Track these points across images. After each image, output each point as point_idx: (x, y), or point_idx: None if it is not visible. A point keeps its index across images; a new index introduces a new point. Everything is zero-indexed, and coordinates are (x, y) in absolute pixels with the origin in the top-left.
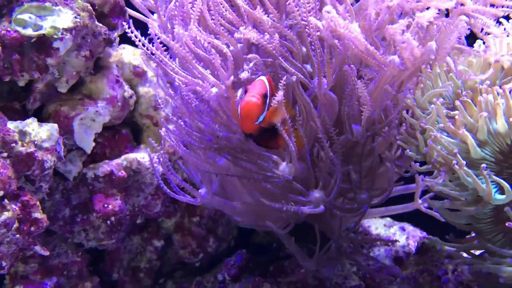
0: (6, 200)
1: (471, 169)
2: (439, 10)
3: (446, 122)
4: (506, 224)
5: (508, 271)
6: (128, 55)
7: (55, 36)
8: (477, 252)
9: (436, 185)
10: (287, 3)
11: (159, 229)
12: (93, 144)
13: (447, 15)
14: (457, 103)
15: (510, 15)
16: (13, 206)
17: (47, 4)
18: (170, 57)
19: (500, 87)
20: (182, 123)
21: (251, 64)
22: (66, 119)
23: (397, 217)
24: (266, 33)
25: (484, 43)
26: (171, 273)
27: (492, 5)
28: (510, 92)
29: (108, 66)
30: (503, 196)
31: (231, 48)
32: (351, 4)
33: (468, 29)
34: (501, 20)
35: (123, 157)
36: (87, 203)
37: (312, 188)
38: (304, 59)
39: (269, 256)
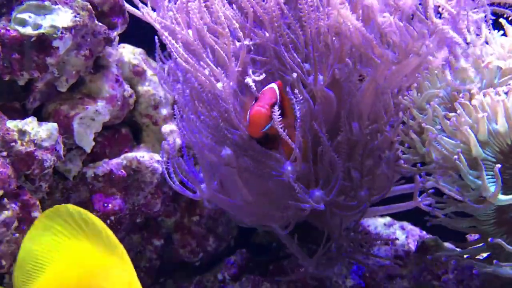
0: (5, 199)
1: (473, 169)
2: None
3: (445, 123)
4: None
5: None
6: (127, 54)
7: (55, 35)
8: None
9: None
10: None
11: (159, 228)
12: (93, 143)
13: None
14: (456, 105)
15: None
16: (13, 205)
17: (47, 3)
18: (170, 57)
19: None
20: (192, 116)
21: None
22: (65, 118)
23: (397, 216)
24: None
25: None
26: (171, 272)
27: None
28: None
29: (107, 65)
30: (508, 197)
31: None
32: None
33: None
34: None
35: (122, 156)
36: (87, 202)
37: (313, 186)
38: (304, 58)
39: (269, 255)
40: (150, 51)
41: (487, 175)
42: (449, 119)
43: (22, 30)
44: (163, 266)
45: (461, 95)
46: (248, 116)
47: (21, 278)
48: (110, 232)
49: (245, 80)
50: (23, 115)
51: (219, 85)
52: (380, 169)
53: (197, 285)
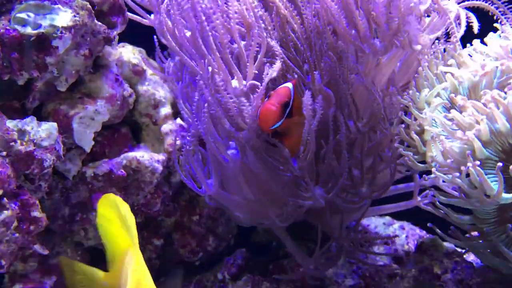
0: (5, 199)
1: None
2: None
3: (445, 124)
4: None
5: None
6: (127, 53)
7: (54, 35)
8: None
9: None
10: None
11: (159, 228)
12: (93, 143)
13: None
14: (457, 107)
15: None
16: (13, 205)
17: (46, 2)
18: (170, 56)
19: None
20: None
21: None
22: (65, 118)
23: (397, 216)
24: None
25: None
26: (171, 272)
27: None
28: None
29: (107, 65)
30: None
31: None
32: None
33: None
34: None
35: (122, 156)
36: (87, 202)
37: (314, 184)
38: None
39: (268, 255)
40: (150, 51)
41: (490, 173)
42: (449, 119)
43: (21, 29)
44: (163, 266)
45: (459, 95)
46: (258, 112)
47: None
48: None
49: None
50: (22, 115)
51: (234, 82)
52: (380, 166)
53: (197, 285)
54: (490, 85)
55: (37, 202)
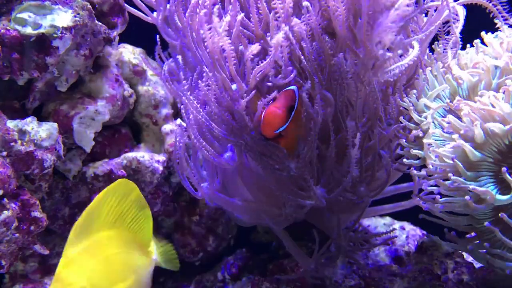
0: (5, 199)
1: (471, 170)
2: None
3: (443, 123)
4: (499, 215)
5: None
6: (127, 54)
7: (55, 35)
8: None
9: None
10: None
11: (159, 228)
12: (93, 143)
13: None
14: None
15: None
16: (13, 205)
17: (47, 3)
18: (170, 56)
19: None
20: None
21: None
22: (65, 118)
23: (397, 217)
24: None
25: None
26: (171, 272)
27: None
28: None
29: (107, 65)
30: (507, 196)
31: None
32: None
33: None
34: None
35: (122, 156)
36: (87, 202)
37: (315, 184)
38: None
39: (268, 255)
40: (150, 51)
41: (485, 175)
42: (447, 123)
43: (22, 30)
44: None
45: (457, 97)
46: (262, 115)
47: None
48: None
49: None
50: (23, 115)
51: (234, 86)
52: (379, 165)
53: (197, 285)
54: (489, 86)
55: (37, 202)
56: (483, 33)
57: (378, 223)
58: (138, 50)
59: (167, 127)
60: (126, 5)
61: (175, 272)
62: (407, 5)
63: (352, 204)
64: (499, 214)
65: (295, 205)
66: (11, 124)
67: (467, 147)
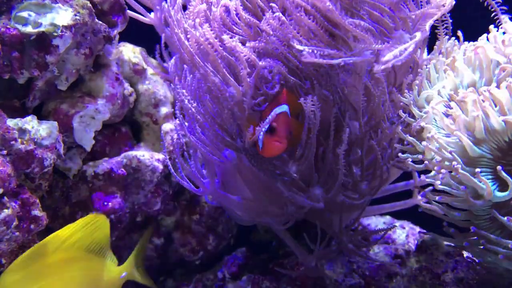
0: (5, 198)
1: (470, 166)
2: None
3: (444, 121)
4: (492, 211)
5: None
6: (127, 52)
7: (55, 34)
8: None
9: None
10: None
11: (159, 227)
12: (93, 141)
13: None
14: (453, 103)
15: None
16: (13, 204)
17: (47, 1)
18: (171, 55)
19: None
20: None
21: None
22: (65, 117)
23: (397, 216)
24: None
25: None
26: (171, 271)
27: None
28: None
29: (107, 64)
30: (505, 193)
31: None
32: None
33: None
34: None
35: (123, 155)
36: (87, 201)
37: (313, 184)
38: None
39: (268, 253)
40: (150, 50)
41: (484, 172)
42: (448, 116)
43: (22, 28)
44: (163, 265)
45: (460, 92)
46: (263, 146)
47: None
48: None
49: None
50: (23, 114)
51: (230, 90)
52: (380, 164)
53: (197, 284)
54: (489, 83)
55: (38, 201)
56: (491, 27)
57: (378, 222)
58: (138, 49)
59: (167, 126)
60: (125, 8)
61: (175, 271)
62: None
63: (353, 201)
64: (492, 210)
65: (294, 205)
66: (11, 122)
67: (466, 140)
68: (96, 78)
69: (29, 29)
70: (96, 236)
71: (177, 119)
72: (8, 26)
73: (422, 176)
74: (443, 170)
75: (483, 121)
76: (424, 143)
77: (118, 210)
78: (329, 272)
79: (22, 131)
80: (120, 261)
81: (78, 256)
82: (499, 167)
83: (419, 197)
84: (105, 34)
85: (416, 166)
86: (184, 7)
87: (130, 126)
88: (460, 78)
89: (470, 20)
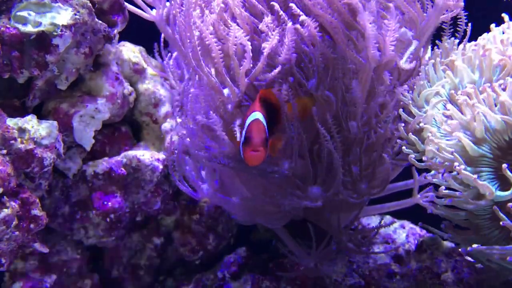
0: (5, 197)
1: (471, 166)
2: None
3: (443, 121)
4: (501, 223)
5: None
6: (127, 52)
7: (55, 33)
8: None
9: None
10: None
11: (159, 226)
12: (93, 141)
13: None
14: (449, 106)
15: None
16: (13, 203)
17: (47, 1)
18: (170, 54)
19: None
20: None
21: None
22: (65, 116)
23: (397, 215)
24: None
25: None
26: (171, 270)
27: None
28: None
29: (107, 63)
30: (507, 193)
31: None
32: None
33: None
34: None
35: (122, 154)
36: (87, 200)
37: (311, 184)
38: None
39: (268, 253)
40: (150, 49)
41: (485, 171)
42: (447, 117)
43: (22, 28)
44: (163, 265)
45: (459, 92)
46: (243, 157)
47: None
48: None
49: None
50: (23, 113)
51: (226, 91)
52: (379, 163)
53: (197, 283)
54: (489, 82)
55: (37, 200)
56: (492, 26)
57: (378, 221)
58: (138, 48)
59: (167, 125)
60: (125, 3)
61: (175, 270)
62: None
63: (352, 202)
64: (493, 207)
65: (291, 204)
66: (11, 122)
67: (466, 140)
68: (96, 77)
69: (29, 28)
70: None
71: (174, 122)
72: (8, 26)
73: (423, 175)
74: (443, 170)
75: (483, 120)
76: (429, 147)
77: (117, 210)
78: (329, 271)
79: (22, 131)
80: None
81: None
82: (504, 165)
83: (419, 196)
84: (105, 34)
85: (418, 163)
86: None
87: (130, 125)
88: (459, 78)
89: (474, 19)
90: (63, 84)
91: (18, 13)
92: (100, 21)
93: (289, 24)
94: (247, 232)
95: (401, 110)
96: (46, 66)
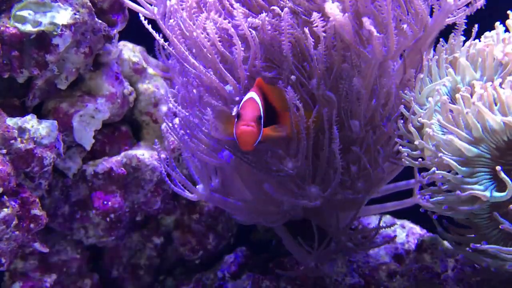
0: (5, 197)
1: (467, 166)
2: None
3: (441, 120)
4: (500, 227)
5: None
6: (127, 51)
7: (55, 33)
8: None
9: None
10: None
11: (159, 226)
12: (93, 141)
13: None
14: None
15: None
16: (13, 203)
17: (46, 0)
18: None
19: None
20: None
21: None
22: (65, 116)
23: (397, 215)
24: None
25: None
26: (171, 270)
27: None
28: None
29: (107, 63)
30: (503, 194)
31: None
32: None
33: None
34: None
35: (122, 154)
36: (87, 200)
37: (310, 183)
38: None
39: (268, 253)
40: (150, 49)
41: (482, 171)
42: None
43: (21, 27)
44: (163, 264)
45: (463, 89)
46: (235, 135)
47: None
48: None
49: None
50: (22, 113)
51: (228, 87)
52: (378, 162)
53: (197, 283)
54: (490, 81)
55: (37, 200)
56: (497, 24)
57: (378, 221)
58: (138, 48)
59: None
60: (125, 1)
61: (175, 270)
62: None
63: (350, 201)
64: (493, 213)
65: (290, 204)
66: (10, 121)
67: (459, 142)
68: (96, 77)
69: (28, 28)
70: None
71: (167, 124)
72: (8, 25)
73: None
74: (440, 172)
75: (481, 120)
76: (427, 145)
77: (117, 209)
78: (329, 271)
79: (22, 130)
80: None
81: None
82: (498, 167)
83: (419, 196)
84: (105, 33)
85: (413, 162)
86: None
87: (130, 125)
88: (461, 76)
89: (480, 19)
90: (63, 84)
91: (18, 13)
92: (100, 21)
93: (286, 9)
94: (247, 232)
95: (402, 107)
96: (46, 65)
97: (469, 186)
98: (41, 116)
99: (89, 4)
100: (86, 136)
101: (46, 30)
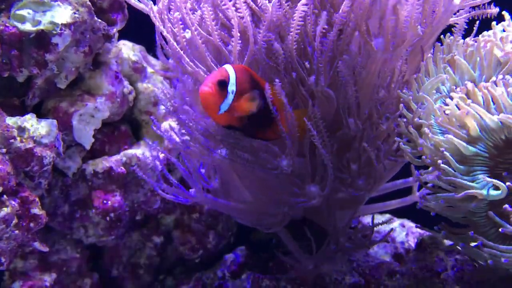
0: (5, 196)
1: (465, 164)
2: None
3: (440, 117)
4: (500, 230)
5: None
6: (127, 51)
7: (54, 32)
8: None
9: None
10: None
11: (159, 225)
12: (92, 140)
13: None
14: (448, 100)
15: None
16: (12, 202)
17: None
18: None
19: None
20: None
21: None
22: (65, 115)
23: (397, 214)
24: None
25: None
26: (171, 269)
27: None
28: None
29: (107, 62)
30: (498, 192)
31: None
32: None
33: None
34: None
35: (122, 153)
36: (86, 199)
37: (309, 182)
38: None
39: (268, 252)
40: (150, 48)
41: (479, 170)
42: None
43: (21, 26)
44: (163, 263)
45: (458, 89)
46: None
47: None
48: None
49: None
50: (22, 112)
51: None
52: (378, 160)
53: (197, 282)
54: (489, 80)
55: (37, 199)
56: (493, 23)
57: (377, 220)
58: (137, 47)
59: (166, 124)
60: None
61: (175, 269)
62: None
63: (351, 199)
64: (488, 212)
65: (290, 204)
66: (10, 121)
67: (457, 141)
68: (96, 76)
69: (28, 27)
70: None
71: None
72: (7, 24)
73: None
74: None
75: (477, 119)
76: (425, 143)
77: (117, 209)
78: (329, 270)
79: (22, 129)
80: None
81: None
82: (485, 178)
83: (418, 194)
84: (105, 32)
85: (415, 160)
86: None
87: (129, 124)
88: (459, 75)
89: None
90: (62, 83)
91: (18, 12)
92: (100, 20)
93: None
94: (247, 231)
95: (401, 105)
96: (45, 65)
97: (465, 182)
98: (40, 115)
99: (89, 3)
100: (85, 135)
101: (46, 29)
